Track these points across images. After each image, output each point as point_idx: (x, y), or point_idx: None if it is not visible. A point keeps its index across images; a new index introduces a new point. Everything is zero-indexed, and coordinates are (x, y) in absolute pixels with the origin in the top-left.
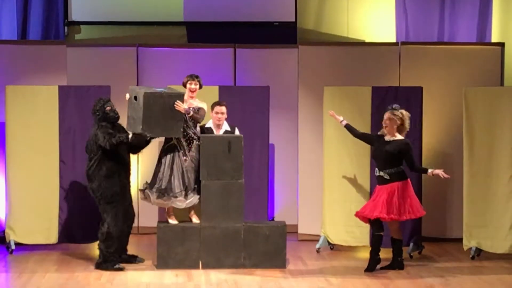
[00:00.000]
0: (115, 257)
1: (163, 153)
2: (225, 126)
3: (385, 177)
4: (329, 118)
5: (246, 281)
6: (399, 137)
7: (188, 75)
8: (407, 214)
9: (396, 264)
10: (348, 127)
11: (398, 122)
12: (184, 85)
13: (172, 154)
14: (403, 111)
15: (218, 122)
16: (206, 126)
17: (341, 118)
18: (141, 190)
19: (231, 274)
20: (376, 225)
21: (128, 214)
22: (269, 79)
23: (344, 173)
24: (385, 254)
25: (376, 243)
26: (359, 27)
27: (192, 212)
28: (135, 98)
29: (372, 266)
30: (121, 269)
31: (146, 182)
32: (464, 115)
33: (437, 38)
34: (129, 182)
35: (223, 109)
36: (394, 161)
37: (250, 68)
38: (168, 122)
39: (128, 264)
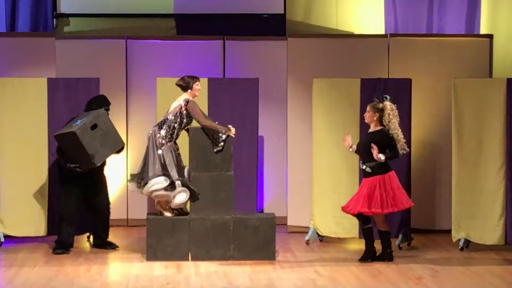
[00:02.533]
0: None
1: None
2: None
3: (367, 170)
4: (319, 109)
5: (235, 272)
6: (378, 128)
7: (192, 76)
8: (390, 207)
9: (385, 256)
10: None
11: (376, 113)
12: (189, 86)
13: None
14: (387, 103)
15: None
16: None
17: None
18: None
19: (220, 266)
20: (361, 219)
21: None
22: (258, 71)
23: (333, 165)
24: (376, 245)
25: (367, 236)
26: (348, 19)
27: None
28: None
29: (366, 256)
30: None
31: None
32: (453, 106)
33: (426, 30)
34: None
35: None
36: (371, 153)
37: (239, 60)
38: (109, 140)
39: (101, 249)
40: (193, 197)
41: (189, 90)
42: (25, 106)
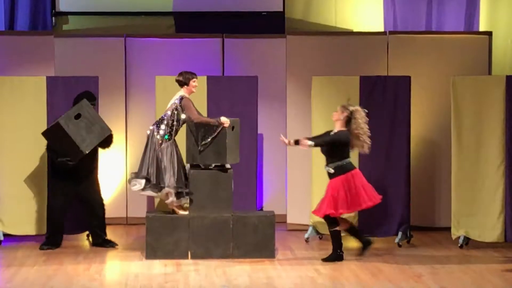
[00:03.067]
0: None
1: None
2: None
3: (330, 171)
4: (318, 107)
5: (235, 271)
6: (343, 129)
7: (189, 72)
8: (355, 206)
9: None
10: (315, 143)
11: (345, 114)
12: (186, 82)
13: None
14: (358, 107)
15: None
16: None
17: (304, 143)
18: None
19: (220, 264)
20: (328, 220)
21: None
22: (257, 69)
23: None
24: (382, 243)
25: (334, 238)
26: (347, 17)
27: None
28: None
29: (332, 258)
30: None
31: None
32: (452, 104)
33: (425, 27)
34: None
35: None
36: (334, 154)
37: (238, 58)
38: (95, 128)
39: (100, 248)
40: (178, 195)
41: (186, 86)
42: (24, 104)
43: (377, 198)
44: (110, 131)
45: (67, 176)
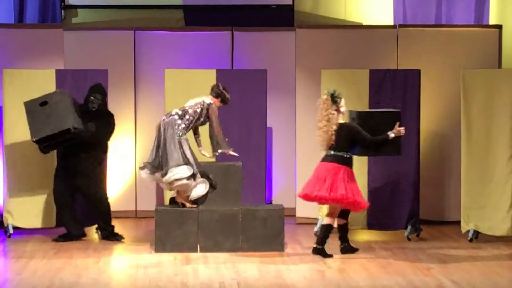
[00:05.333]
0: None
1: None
2: None
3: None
4: None
5: (244, 264)
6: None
7: (227, 94)
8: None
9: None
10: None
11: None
12: (219, 97)
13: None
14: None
15: None
16: None
17: None
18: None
19: (229, 257)
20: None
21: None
22: (266, 62)
23: None
24: (392, 237)
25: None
26: (357, 10)
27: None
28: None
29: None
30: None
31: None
32: (461, 97)
33: (434, 20)
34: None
35: None
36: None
37: (247, 51)
38: (54, 119)
39: (108, 241)
40: (212, 188)
41: (216, 98)
42: (33, 97)
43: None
44: (72, 126)
45: (65, 171)
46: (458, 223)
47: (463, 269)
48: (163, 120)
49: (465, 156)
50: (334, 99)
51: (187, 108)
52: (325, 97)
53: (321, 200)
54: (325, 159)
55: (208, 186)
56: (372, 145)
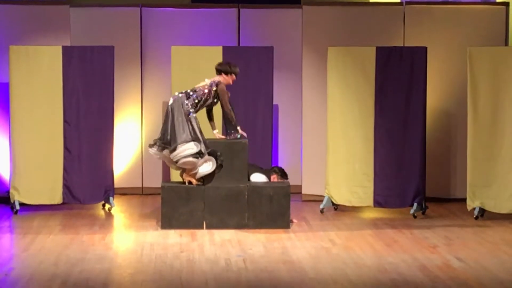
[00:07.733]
0: None
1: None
2: None
3: None
4: (334, 78)
5: (250, 241)
6: None
7: (236, 66)
8: None
9: None
10: None
11: None
12: (230, 72)
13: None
14: None
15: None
16: None
17: None
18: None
19: (235, 234)
20: None
21: None
22: (273, 39)
23: (348, 134)
24: (397, 214)
25: None
26: None
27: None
28: None
29: None
30: None
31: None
32: (468, 75)
33: None
34: None
35: None
36: None
37: (254, 28)
38: None
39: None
40: (218, 168)
41: (225, 76)
42: (39, 74)
43: None
44: None
45: None
46: (464, 200)
47: (469, 247)
48: (173, 98)
49: (471, 133)
50: None
51: (195, 88)
52: None
53: None
54: None
55: (215, 164)
56: None
